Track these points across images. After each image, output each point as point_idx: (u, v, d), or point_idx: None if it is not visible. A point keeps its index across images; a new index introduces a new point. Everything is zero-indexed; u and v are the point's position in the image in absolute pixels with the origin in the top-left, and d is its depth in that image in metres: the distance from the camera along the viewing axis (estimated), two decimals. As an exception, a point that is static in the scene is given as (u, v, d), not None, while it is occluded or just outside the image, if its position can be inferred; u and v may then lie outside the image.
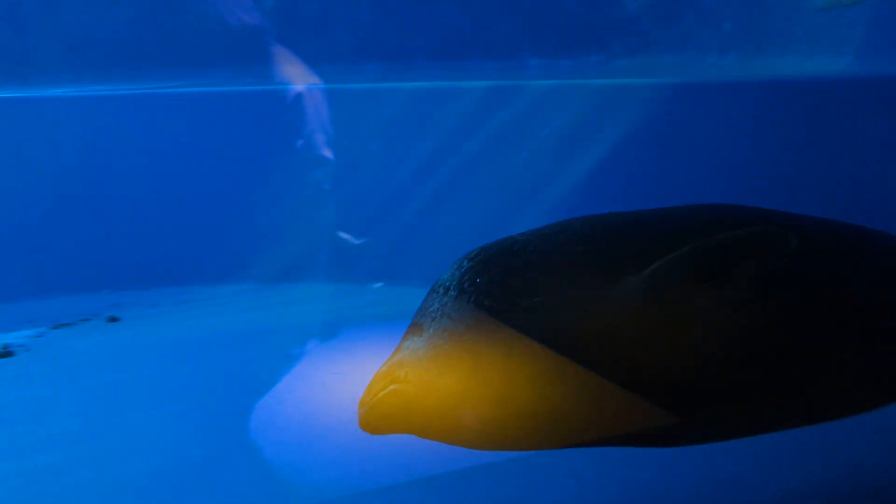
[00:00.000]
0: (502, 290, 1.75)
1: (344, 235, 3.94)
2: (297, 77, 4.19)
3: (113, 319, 3.56)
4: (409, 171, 4.12)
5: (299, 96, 4.11)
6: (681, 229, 1.84)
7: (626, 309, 1.66)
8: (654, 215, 1.97)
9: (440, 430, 1.74)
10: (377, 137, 4.14)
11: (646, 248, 1.76)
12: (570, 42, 4.85)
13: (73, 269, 4.00)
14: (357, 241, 3.94)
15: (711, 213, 1.98)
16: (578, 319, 1.67)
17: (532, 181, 3.98)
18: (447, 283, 1.87)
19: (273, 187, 4.16)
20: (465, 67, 4.95)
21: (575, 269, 1.75)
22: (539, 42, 4.90)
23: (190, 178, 4.25)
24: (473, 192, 4.00)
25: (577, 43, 4.84)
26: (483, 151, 4.05)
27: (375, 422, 1.77)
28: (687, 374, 1.64)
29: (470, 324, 1.74)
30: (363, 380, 1.94)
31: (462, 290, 1.81)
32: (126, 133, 4.25)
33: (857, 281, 1.79)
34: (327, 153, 4.03)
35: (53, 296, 3.83)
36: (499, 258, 1.83)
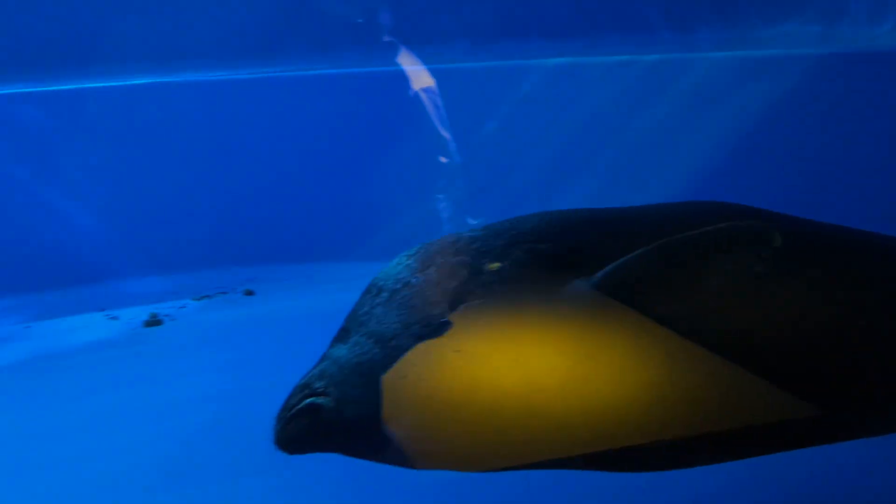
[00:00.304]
0: (438, 291, 1.55)
1: (469, 219, 3.97)
2: (420, 58, 4.23)
3: (248, 293, 3.76)
4: (538, 148, 4.10)
5: (424, 77, 4.16)
6: (650, 229, 1.57)
7: (568, 316, 1.47)
8: (622, 213, 1.72)
9: (365, 447, 1.55)
10: (498, 117, 4.15)
11: (605, 247, 1.54)
12: (702, 14, 4.66)
13: (213, 246, 4.23)
14: (473, 222, 3.96)
15: (692, 213, 1.68)
16: (516, 327, 1.48)
17: (667, 157, 3.88)
18: (381, 283, 1.66)
19: (398, 167, 4.25)
20: (605, 41, 4.83)
21: (522, 270, 1.54)
22: (671, 14, 4.73)
23: (319, 158, 4.40)
24: (608, 170, 3.93)
25: (710, 13, 4.65)
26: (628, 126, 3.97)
27: (290, 440, 1.56)
28: (633, 404, 1.45)
29: (399, 330, 1.54)
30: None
31: (394, 291, 1.60)
32: (260, 116, 4.44)
33: (841, 288, 1.54)
34: (449, 134, 4.07)
35: (195, 270, 4.06)
36: (439, 256, 1.63)
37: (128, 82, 4.43)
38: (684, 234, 1.47)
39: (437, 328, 1.50)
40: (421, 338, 1.50)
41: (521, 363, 1.52)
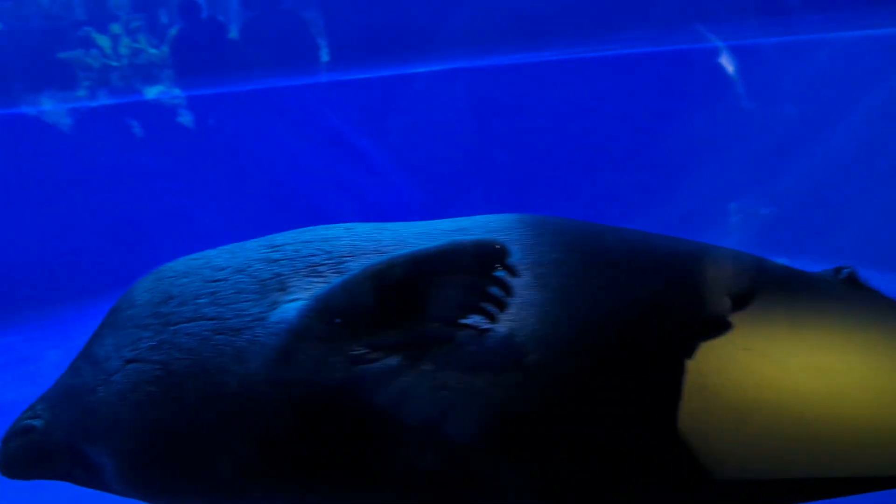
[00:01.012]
0: (155, 316, 1.42)
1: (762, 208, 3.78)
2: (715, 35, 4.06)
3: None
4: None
5: (722, 55, 3.99)
6: (394, 247, 1.40)
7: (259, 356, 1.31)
8: (394, 228, 1.51)
9: (82, 474, 1.48)
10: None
11: (345, 267, 1.36)
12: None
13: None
14: (765, 210, 3.74)
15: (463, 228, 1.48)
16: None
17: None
18: (120, 301, 1.54)
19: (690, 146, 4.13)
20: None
21: (248, 290, 1.38)
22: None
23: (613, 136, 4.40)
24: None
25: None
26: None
27: (4, 462, 1.50)
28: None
29: (110, 352, 1.44)
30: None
31: (120, 311, 1.49)
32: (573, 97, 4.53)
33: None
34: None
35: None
36: (169, 277, 1.48)
37: (433, 68, 4.74)
38: (390, 255, 1.31)
39: (144, 352, 1.40)
40: (129, 361, 1.41)
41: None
